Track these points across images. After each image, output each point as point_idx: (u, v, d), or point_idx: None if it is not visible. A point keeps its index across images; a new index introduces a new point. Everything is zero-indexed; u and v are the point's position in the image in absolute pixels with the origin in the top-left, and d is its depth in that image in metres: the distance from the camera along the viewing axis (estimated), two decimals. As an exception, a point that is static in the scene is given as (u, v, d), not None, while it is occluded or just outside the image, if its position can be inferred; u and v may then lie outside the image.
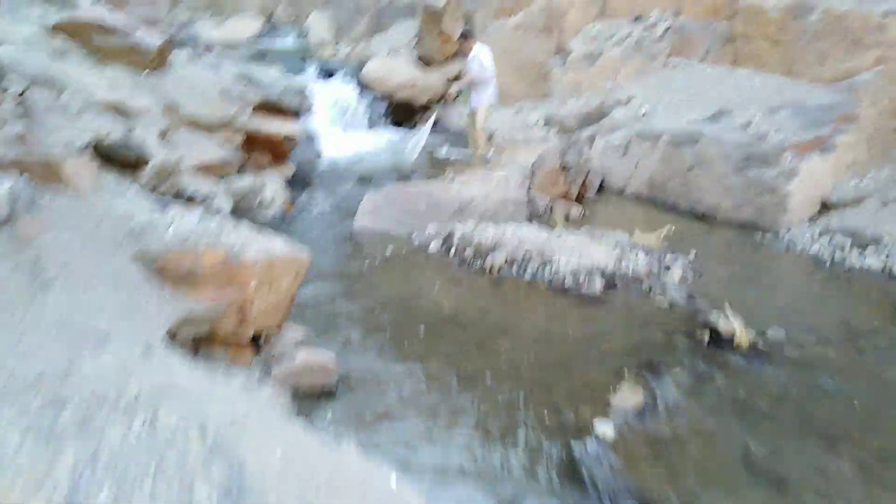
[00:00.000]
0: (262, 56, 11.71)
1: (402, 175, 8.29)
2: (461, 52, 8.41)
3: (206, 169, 6.72)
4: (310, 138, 9.35)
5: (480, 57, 8.28)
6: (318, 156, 9.17)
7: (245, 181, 6.93)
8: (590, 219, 6.90)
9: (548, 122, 9.53)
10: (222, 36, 13.72)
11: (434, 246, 5.99)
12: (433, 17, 11.30)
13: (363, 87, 11.03)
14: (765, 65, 7.99)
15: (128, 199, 3.70)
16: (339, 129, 10.32)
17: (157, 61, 6.78)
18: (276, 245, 3.80)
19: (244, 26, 14.59)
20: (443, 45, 11.66)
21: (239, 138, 7.35)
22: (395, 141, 10.27)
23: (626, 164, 7.72)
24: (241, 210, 6.75)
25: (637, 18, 9.52)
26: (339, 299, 5.03)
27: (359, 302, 4.99)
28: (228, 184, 6.81)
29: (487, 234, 5.82)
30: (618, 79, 9.12)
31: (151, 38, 6.64)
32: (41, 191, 3.24)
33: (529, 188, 7.26)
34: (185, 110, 6.78)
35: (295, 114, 8.18)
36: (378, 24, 14.32)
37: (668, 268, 5.44)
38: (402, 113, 11.37)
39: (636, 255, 5.58)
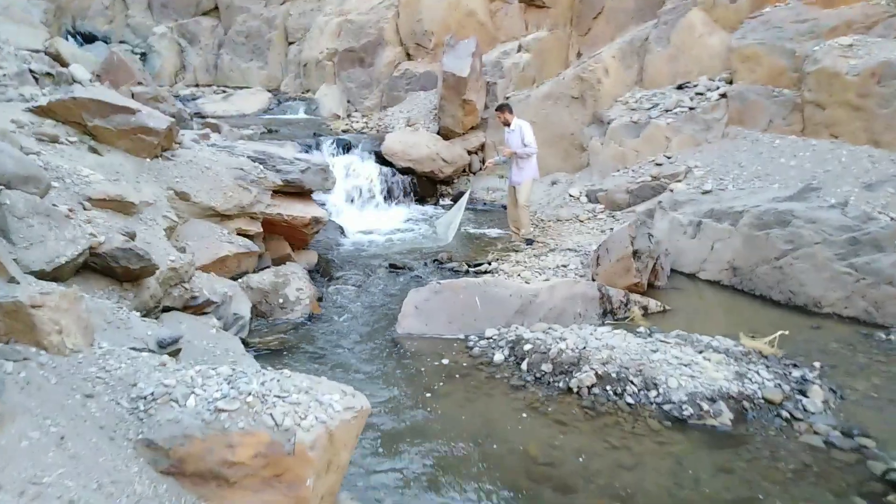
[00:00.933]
0: (272, 131, 10.95)
1: (439, 260, 7.29)
2: (500, 125, 7.60)
3: (222, 265, 5.72)
4: (329, 219, 8.43)
5: (523, 130, 7.45)
6: (341, 239, 8.19)
7: (265, 277, 5.91)
8: (671, 314, 5.86)
9: (591, 197, 8.63)
10: (229, 110, 13.01)
11: (499, 357, 4.92)
12: (456, 87, 10.62)
13: (383, 161, 10.21)
14: (842, 134, 7.17)
15: (127, 354, 2.64)
16: (359, 206, 9.41)
17: (163, 144, 5.86)
18: (335, 400, 2.72)
19: (251, 100, 13.92)
20: (465, 117, 10.95)
21: (257, 227, 6.38)
22: (421, 219, 9.35)
23: (698, 245, 6.75)
24: (262, 312, 5.71)
25: (682, 86, 8.79)
26: (391, 444, 3.90)
27: (417, 448, 3.86)
28: (247, 282, 5.79)
29: (566, 343, 4.76)
30: (669, 150, 8.28)
31: (158, 119, 5.74)
32: (0, 354, 2.18)
33: (593, 278, 6.26)
34: (197, 199, 5.82)
35: (309, 193, 7.26)
36: (390, 95, 13.68)
37: (801, 388, 4.36)
38: (425, 187, 10.53)
39: (756, 370, 4.52)
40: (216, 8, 17.50)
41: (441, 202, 10.43)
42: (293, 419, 2.38)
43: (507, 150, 7.45)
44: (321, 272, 6.93)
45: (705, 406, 4.08)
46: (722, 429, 4.00)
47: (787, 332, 5.04)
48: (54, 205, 3.79)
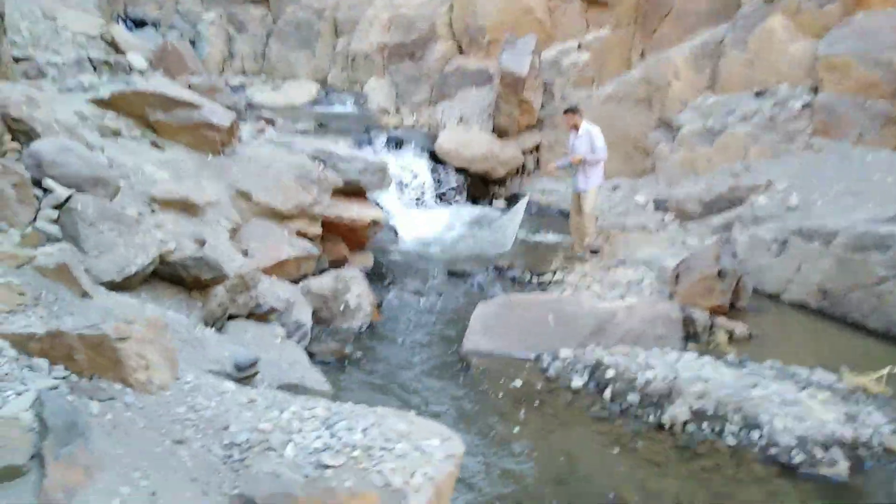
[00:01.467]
0: (323, 125, 10.72)
1: (500, 267, 6.95)
2: (568, 128, 7.22)
3: (282, 268, 5.48)
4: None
5: (592, 134, 7.05)
6: (396, 240, 7.91)
7: (325, 282, 5.65)
8: (758, 341, 5.43)
9: (658, 206, 8.20)
10: (278, 101, 12.84)
11: (578, 382, 4.57)
12: (513, 86, 10.23)
13: (436, 159, 9.89)
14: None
15: (214, 388, 2.36)
16: (412, 206, 9.12)
17: (224, 140, 5.64)
18: (435, 447, 2.41)
19: (300, 91, 13.73)
20: (521, 116, 10.57)
21: (317, 228, 6.13)
22: (477, 220, 9.01)
23: (783, 265, 6.29)
24: (323, 319, 5.45)
25: (760, 93, 8.27)
26: (463, 482, 3.55)
27: (492, 487, 3.53)
28: (307, 287, 5.54)
29: (654, 372, 4.39)
30: (746, 160, 7.80)
31: (221, 115, 5.52)
32: (85, 392, 1.92)
33: (671, 297, 5.86)
34: (258, 198, 5.60)
35: (365, 193, 6.98)
36: (441, 91, 13.32)
37: (923, 435, 3.93)
38: (478, 188, 10.19)
39: (868, 411, 4.09)
40: (266, -3, 17.37)
41: (494, 203, 10.07)
42: (402, 477, 2.08)
43: (576, 156, 7.06)
44: (378, 276, 6.66)
45: (818, 453, 3.68)
46: (837, 479, 3.59)
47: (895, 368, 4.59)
48: (122, 208, 3.56)
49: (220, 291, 4.02)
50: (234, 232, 5.01)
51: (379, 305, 5.88)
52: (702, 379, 4.30)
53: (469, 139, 10.05)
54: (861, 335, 5.55)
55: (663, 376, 4.33)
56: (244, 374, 2.97)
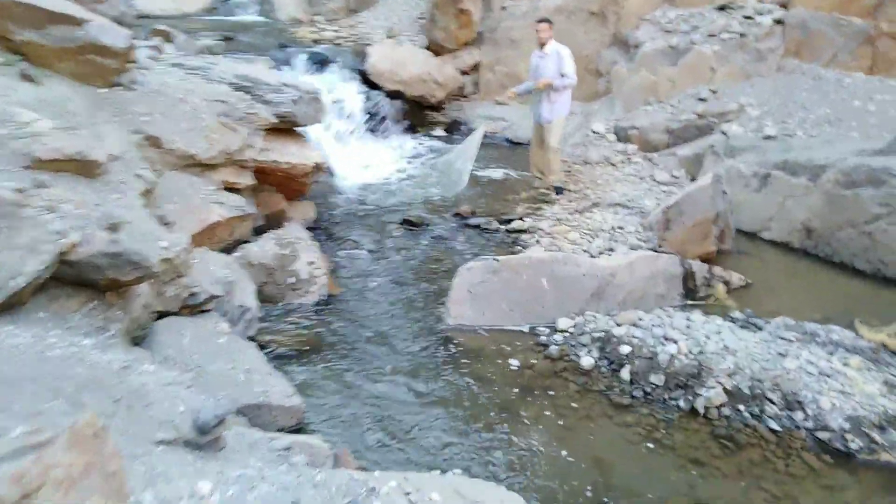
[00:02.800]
0: (230, 39, 9.11)
1: (461, 213, 6.14)
2: (540, 38, 6.25)
3: (211, 234, 4.40)
4: (315, 157, 7.02)
5: (562, 55, 6.19)
6: (334, 184, 6.85)
7: (267, 249, 4.64)
8: (754, 290, 5.04)
9: (620, 135, 7.57)
10: (168, 8, 10.87)
11: (588, 360, 3.96)
12: (451, -6, 9.04)
13: (367, 82, 8.68)
14: (921, 72, 6.34)
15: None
16: (345, 140, 7.98)
17: (122, 67, 4.31)
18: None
19: (192, -3, 11.70)
20: (460, 30, 9.46)
21: (248, 178, 5.02)
22: (418, 154, 8.05)
23: (763, 201, 5.90)
24: (270, 297, 4.49)
25: (724, 7, 7.63)
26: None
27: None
28: (245, 257, 4.51)
29: (675, 346, 3.85)
30: (714, 82, 7.24)
31: (115, 32, 4.16)
32: None
33: (660, 245, 5.32)
34: (173, 145, 4.39)
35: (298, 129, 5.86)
36: (359, -2, 11.83)
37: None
38: (415, 114, 9.13)
39: (904, 377, 3.77)
40: None
41: (433, 132, 9.09)
42: None
43: (543, 80, 6.19)
44: (324, 233, 5.67)
45: (876, 436, 3.30)
46: (901, 469, 3.24)
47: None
48: (-8, 187, 2.41)
49: (143, 289, 2.98)
50: (147, 194, 3.85)
51: (333, 272, 4.96)
52: (729, 351, 3.81)
53: (404, 58, 8.86)
54: (850, 276, 5.31)
55: (687, 352, 3.80)
56: (210, 436, 2.07)
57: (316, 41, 9.81)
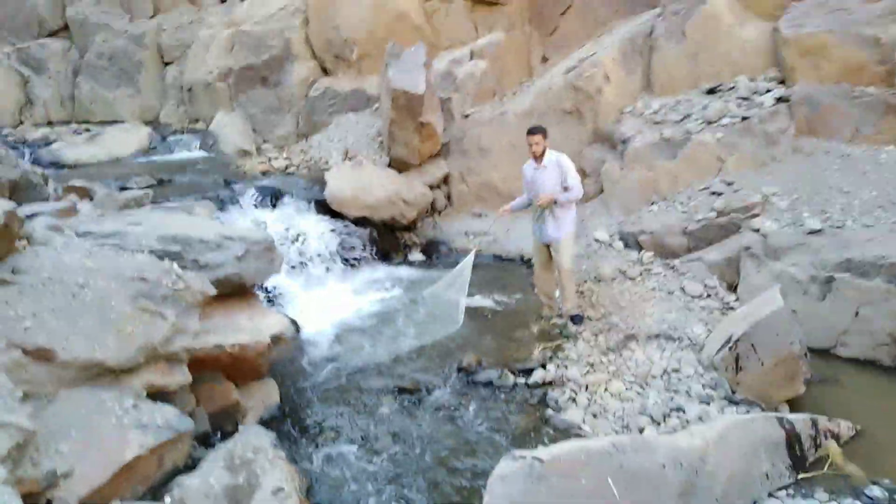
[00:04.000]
0: (165, 182, 8.03)
1: (466, 368, 4.87)
2: (534, 151, 5.29)
3: (129, 475, 3.04)
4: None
5: (563, 165, 5.23)
6: (300, 344, 5.55)
7: (213, 479, 3.25)
8: (868, 437, 3.83)
9: (627, 241, 6.55)
10: (98, 154, 9.84)
11: None
12: (409, 108, 8.24)
13: (327, 211, 7.62)
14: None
15: None
16: (309, 282, 6.78)
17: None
18: None
19: (126, 138, 10.72)
20: (423, 143, 8.60)
21: (181, 375, 3.70)
22: (396, 286, 6.86)
23: (831, 311, 4.84)
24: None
25: (713, 90, 6.93)
26: None
27: None
28: (179, 497, 3.12)
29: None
30: (725, 173, 6.36)
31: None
32: None
33: (733, 391, 4.12)
34: (68, 354, 3.10)
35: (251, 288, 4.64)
36: (310, 121, 11.01)
37: None
38: (386, 240, 8.05)
39: None
40: (66, 27, 14.00)
41: (410, 256, 7.98)
42: None
43: (545, 197, 5.18)
44: (291, 422, 4.32)
45: None
46: None
47: None
48: None
49: None
50: (20, 449, 2.51)
51: (308, 493, 3.57)
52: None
53: (366, 181, 7.88)
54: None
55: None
56: None
57: (265, 172, 8.83)
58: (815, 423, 3.69)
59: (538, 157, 5.27)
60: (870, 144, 5.91)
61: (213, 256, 4.28)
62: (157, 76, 13.42)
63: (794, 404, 4.12)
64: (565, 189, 5.18)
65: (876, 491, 3.29)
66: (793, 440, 3.52)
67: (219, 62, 11.93)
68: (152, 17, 14.07)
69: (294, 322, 5.88)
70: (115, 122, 12.42)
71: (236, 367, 4.19)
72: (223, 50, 12.08)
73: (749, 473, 3.30)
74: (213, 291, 3.96)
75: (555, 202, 5.17)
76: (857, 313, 4.72)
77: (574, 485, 3.09)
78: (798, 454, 3.53)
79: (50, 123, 12.82)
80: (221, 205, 7.07)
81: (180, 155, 10.55)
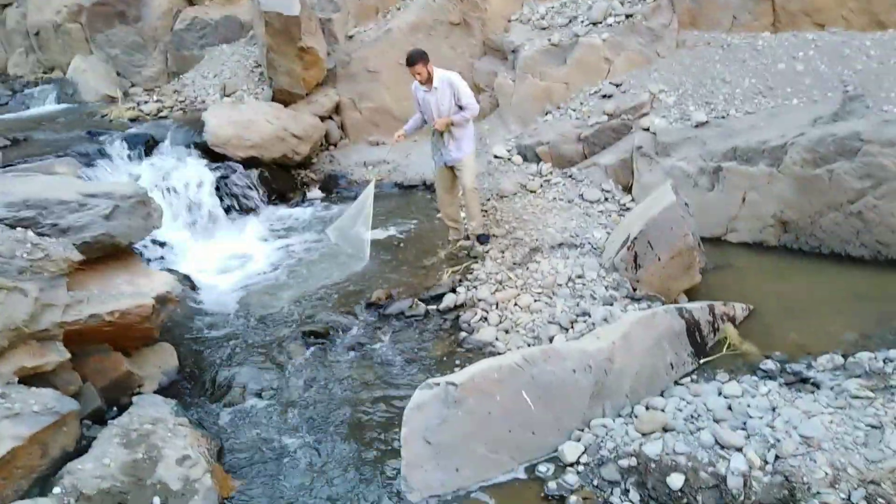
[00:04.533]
0: (19, 141, 7.15)
1: (375, 303, 4.73)
2: (419, 80, 5.02)
3: (8, 471, 2.75)
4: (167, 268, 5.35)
5: (455, 84, 4.97)
6: (194, 298, 5.21)
7: (108, 458, 3.01)
8: (760, 317, 4.05)
9: (525, 155, 6.48)
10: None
11: (626, 509, 2.72)
12: (286, 32, 7.63)
13: (211, 155, 7.06)
14: (829, 22, 5.73)
15: None
16: (199, 233, 6.33)
17: None
18: None
19: (-33, 96, 9.46)
20: (307, 71, 8.04)
21: (58, 353, 3.35)
22: (296, 228, 6.55)
23: (720, 199, 5.01)
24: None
25: (597, -12, 6.78)
26: None
27: None
28: (74, 485, 2.87)
29: (743, 459, 2.69)
30: (613, 75, 6.32)
31: None
32: None
33: (634, 288, 4.21)
34: None
35: (128, 247, 4.24)
36: (179, 57, 10.04)
37: None
38: (281, 179, 7.61)
39: None
40: None
41: (308, 194, 7.60)
42: None
43: (441, 121, 4.94)
44: (191, 381, 4.07)
45: None
46: None
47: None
48: None
49: None
50: None
51: (220, 457, 3.39)
52: (809, 443, 2.70)
53: (249, 117, 7.32)
54: (850, 267, 4.50)
55: (761, 461, 2.65)
56: None
57: (135, 119, 8.03)
58: (712, 309, 3.85)
59: (426, 81, 4.99)
60: (748, 32, 6.02)
61: (75, 218, 3.84)
62: (-7, 21, 11.80)
63: (692, 293, 4.28)
64: (460, 108, 4.96)
65: (770, 364, 3.49)
66: (693, 328, 3.65)
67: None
68: (-24, -50, 12.19)
69: (188, 278, 5.53)
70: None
71: (123, 336, 3.85)
72: (68, -15, 10.68)
73: (654, 366, 3.41)
74: (78, 257, 3.55)
75: (452, 124, 4.96)
76: (744, 199, 4.91)
77: (490, 403, 3.08)
78: (699, 341, 3.67)
79: None
80: (88, 160, 6.37)
81: (37, 109, 9.42)
